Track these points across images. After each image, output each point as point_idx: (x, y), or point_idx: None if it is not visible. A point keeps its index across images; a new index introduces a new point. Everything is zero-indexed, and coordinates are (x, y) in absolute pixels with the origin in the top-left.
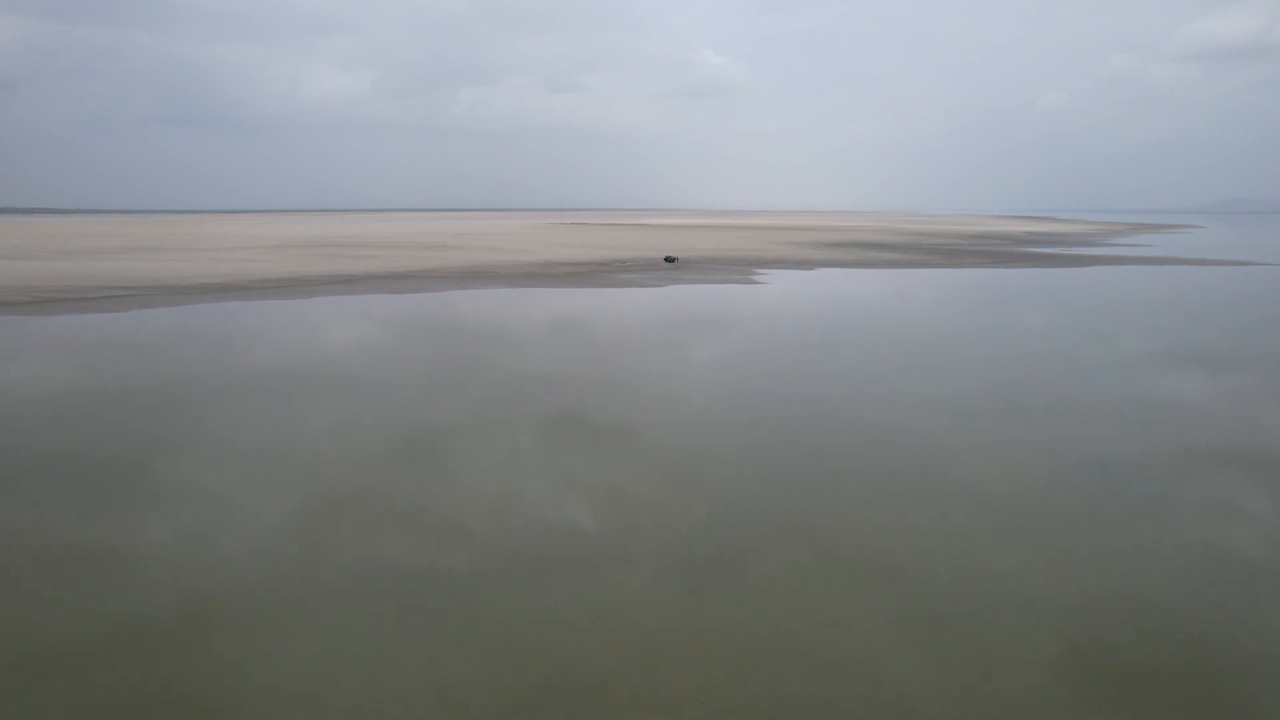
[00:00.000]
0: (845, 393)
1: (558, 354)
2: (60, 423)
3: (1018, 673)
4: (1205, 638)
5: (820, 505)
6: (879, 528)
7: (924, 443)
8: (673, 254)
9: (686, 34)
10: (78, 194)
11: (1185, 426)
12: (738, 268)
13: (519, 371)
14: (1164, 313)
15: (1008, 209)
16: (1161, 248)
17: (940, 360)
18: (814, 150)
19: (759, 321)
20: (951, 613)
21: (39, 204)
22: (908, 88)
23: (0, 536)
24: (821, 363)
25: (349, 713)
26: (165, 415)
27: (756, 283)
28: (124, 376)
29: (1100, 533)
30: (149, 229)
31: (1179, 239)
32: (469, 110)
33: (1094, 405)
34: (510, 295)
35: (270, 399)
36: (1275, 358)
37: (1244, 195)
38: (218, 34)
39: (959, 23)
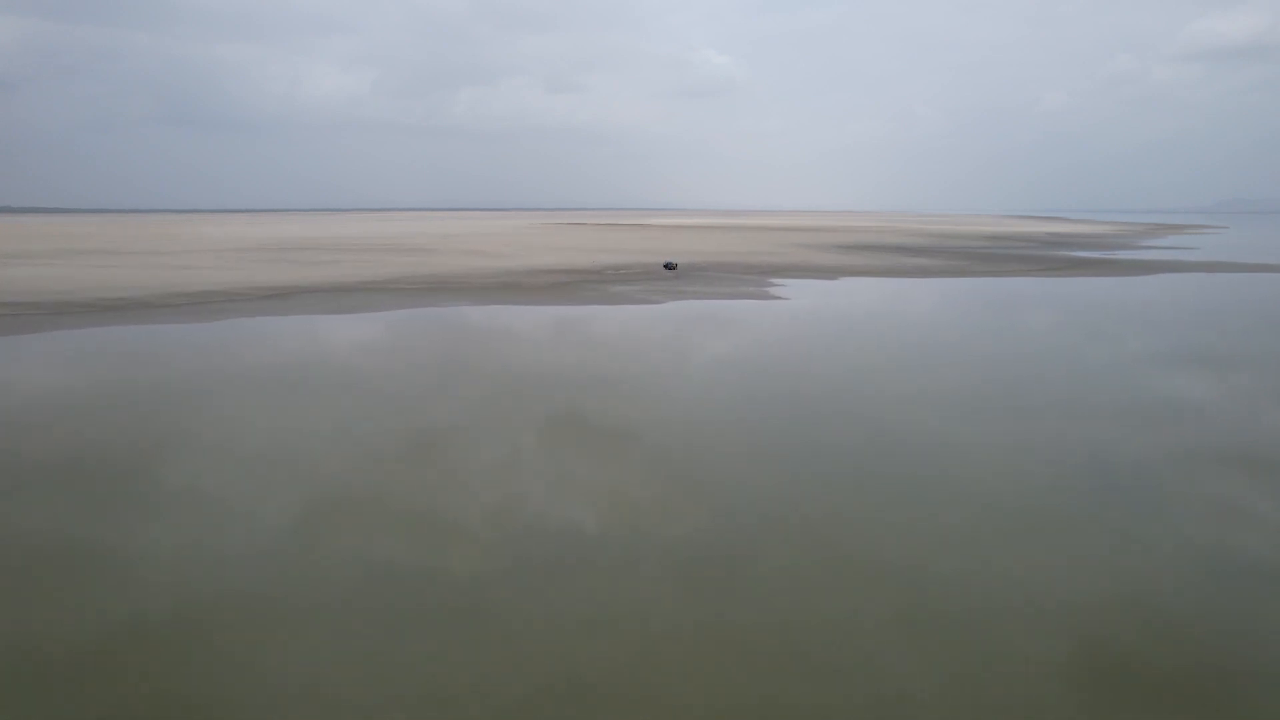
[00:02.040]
0: (962, 503)
1: (490, 432)
2: None
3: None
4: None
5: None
6: None
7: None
8: (674, 259)
9: (686, 34)
10: (78, 194)
11: None
12: (749, 276)
13: (419, 469)
14: None
15: (1009, 209)
16: (1207, 250)
17: (1084, 429)
18: (814, 150)
19: (791, 356)
20: None
21: (39, 204)
22: (908, 88)
23: None
24: (900, 432)
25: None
26: None
27: (775, 297)
28: None
29: None
30: (121, 230)
31: (1214, 240)
32: (469, 110)
33: None
34: (467, 318)
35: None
36: None
37: (1244, 195)
38: (218, 34)
39: (959, 23)
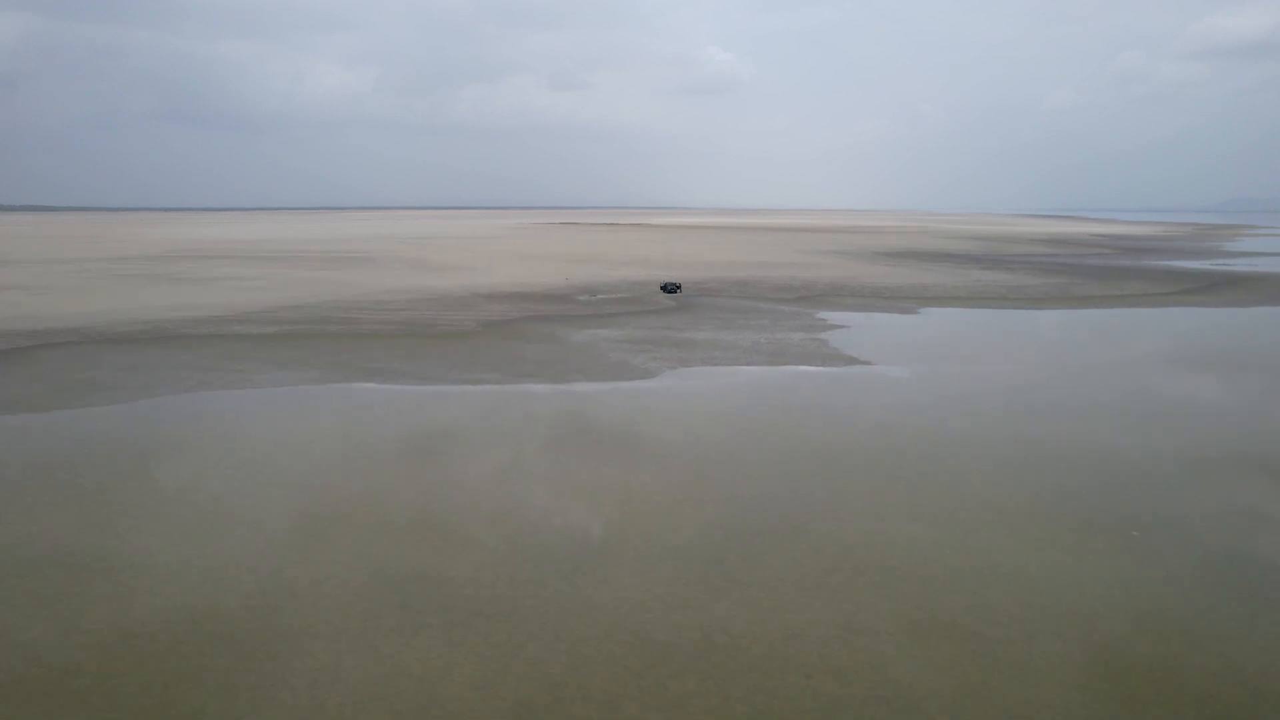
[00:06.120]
0: None
1: None
2: None
3: None
4: None
5: None
6: None
7: None
8: (675, 280)
9: (691, 31)
10: (78, 192)
11: None
12: (787, 306)
13: None
14: None
15: (1016, 208)
16: None
17: None
18: (818, 148)
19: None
20: None
21: (40, 202)
22: (912, 85)
23: None
24: None
25: None
26: None
27: (847, 358)
28: None
29: None
30: (34, 230)
31: None
32: (472, 108)
33: None
34: (233, 430)
35: None
36: None
37: (1252, 194)
38: (220, 31)
39: (964, 20)
